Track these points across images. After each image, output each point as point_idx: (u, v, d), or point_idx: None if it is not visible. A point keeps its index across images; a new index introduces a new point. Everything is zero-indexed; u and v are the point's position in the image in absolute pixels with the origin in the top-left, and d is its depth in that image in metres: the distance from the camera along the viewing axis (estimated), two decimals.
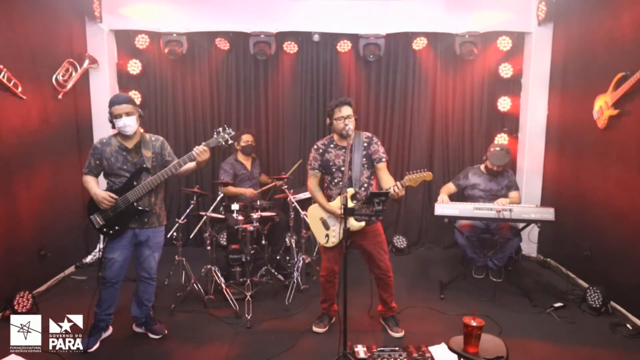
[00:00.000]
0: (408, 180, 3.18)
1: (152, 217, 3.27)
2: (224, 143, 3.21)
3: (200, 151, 3.11)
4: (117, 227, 3.18)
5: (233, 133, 3.23)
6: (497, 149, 4.57)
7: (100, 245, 5.21)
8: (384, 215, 3.69)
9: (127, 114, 3.11)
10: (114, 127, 3.18)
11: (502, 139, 5.52)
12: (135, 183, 3.15)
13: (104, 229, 3.19)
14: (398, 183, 3.13)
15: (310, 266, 4.70)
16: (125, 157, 3.19)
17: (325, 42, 5.54)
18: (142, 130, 3.38)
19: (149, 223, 3.27)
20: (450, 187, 4.71)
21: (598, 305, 3.78)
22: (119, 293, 3.35)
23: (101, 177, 3.29)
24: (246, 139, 4.99)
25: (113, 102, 3.12)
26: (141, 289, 3.39)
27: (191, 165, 3.21)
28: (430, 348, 3.17)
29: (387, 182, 3.30)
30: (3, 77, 3.76)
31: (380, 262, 3.42)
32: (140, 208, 3.18)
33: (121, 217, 3.17)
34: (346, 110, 3.27)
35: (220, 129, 3.22)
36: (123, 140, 3.20)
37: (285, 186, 4.55)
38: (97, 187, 3.20)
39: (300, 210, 4.45)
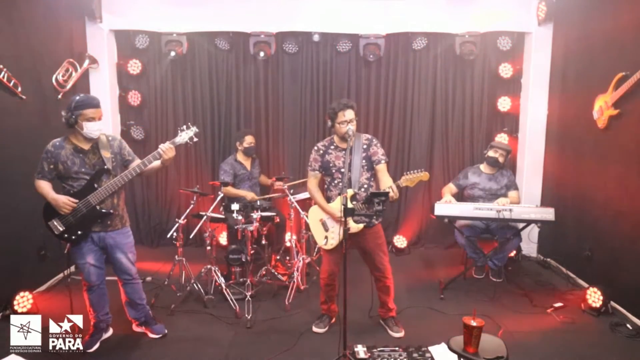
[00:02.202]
0: (405, 180, 3.18)
1: (116, 219, 3.18)
2: (189, 141, 3.16)
3: (167, 148, 3.03)
4: (79, 232, 3.07)
5: (197, 130, 3.19)
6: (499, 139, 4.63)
7: None
8: (384, 215, 3.69)
9: (99, 118, 3.01)
10: (71, 127, 3.01)
11: (502, 138, 5.52)
12: (96, 185, 3.04)
13: (65, 235, 3.06)
14: (393, 184, 3.13)
15: (310, 266, 4.70)
16: (82, 159, 3.05)
17: (325, 42, 5.53)
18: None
19: (112, 225, 3.17)
20: (451, 188, 4.71)
21: (598, 305, 3.78)
22: (107, 292, 3.33)
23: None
24: (249, 140, 4.99)
25: (88, 104, 2.97)
26: (128, 290, 3.35)
27: (156, 164, 3.12)
28: (430, 348, 3.17)
29: (387, 183, 3.29)
30: (3, 77, 3.77)
31: (380, 265, 3.42)
32: (104, 211, 3.08)
33: (83, 221, 3.05)
34: (349, 114, 3.25)
35: (184, 127, 3.16)
36: (79, 142, 3.06)
37: (286, 186, 4.55)
38: (53, 191, 3.05)
39: (300, 210, 4.45)
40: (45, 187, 3.07)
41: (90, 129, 2.99)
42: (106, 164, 3.08)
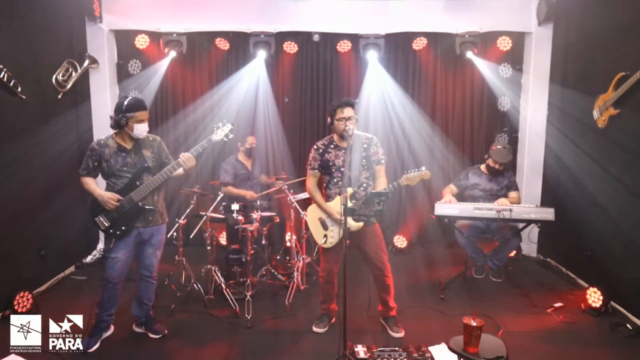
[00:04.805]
0: (405, 179, 3.19)
1: (156, 215, 3.29)
2: (224, 138, 3.21)
3: (187, 158, 3.12)
4: (123, 228, 3.18)
5: (232, 127, 3.24)
6: (500, 147, 4.56)
7: (101, 246, 5.23)
8: (385, 215, 3.69)
9: (147, 120, 3.15)
10: (116, 128, 3.12)
11: (502, 139, 5.52)
12: (137, 183, 3.16)
13: (110, 230, 3.18)
14: (395, 183, 3.14)
15: (310, 266, 4.70)
16: (124, 158, 3.17)
17: (325, 42, 5.54)
18: None
19: (154, 221, 3.28)
20: (452, 188, 4.70)
21: (598, 305, 3.78)
22: (119, 293, 3.34)
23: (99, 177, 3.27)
24: (251, 141, 5.03)
25: (139, 107, 3.09)
26: (142, 287, 3.39)
27: (180, 171, 3.22)
28: (430, 348, 3.17)
29: (381, 185, 3.31)
30: (3, 77, 3.76)
31: (379, 263, 3.42)
32: (146, 207, 3.19)
33: (126, 217, 3.17)
34: (348, 112, 3.26)
35: (220, 124, 3.23)
36: (122, 141, 3.19)
37: (286, 186, 4.55)
38: (99, 188, 3.20)
39: (300, 210, 4.45)
40: (91, 183, 3.22)
41: (140, 130, 3.12)
42: (147, 162, 3.19)
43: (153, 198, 3.25)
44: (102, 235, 3.25)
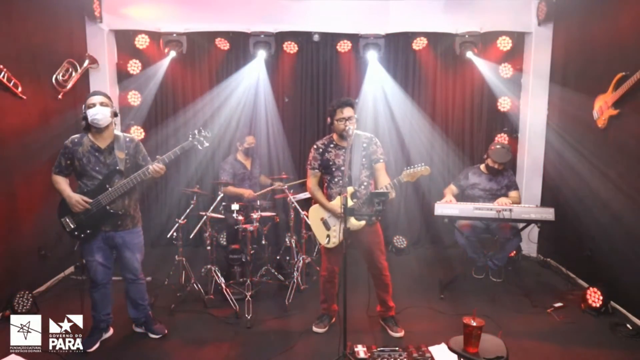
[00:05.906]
0: (406, 175, 3.19)
1: (126, 220, 3.20)
2: (200, 147, 3.16)
3: (157, 170, 3.08)
4: (89, 231, 3.11)
5: (209, 135, 3.20)
6: (499, 146, 4.57)
7: None
8: (385, 215, 3.69)
9: (101, 104, 3.05)
10: (86, 126, 3.11)
11: (502, 139, 5.52)
12: (107, 186, 3.08)
13: (75, 232, 3.12)
14: (395, 180, 3.15)
15: (310, 266, 4.70)
16: (97, 157, 3.10)
17: (325, 42, 5.54)
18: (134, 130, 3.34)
19: (123, 226, 3.20)
20: (452, 189, 4.70)
21: (598, 305, 3.78)
22: (111, 292, 3.33)
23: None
24: (250, 141, 5.03)
25: (90, 95, 3.11)
26: (132, 289, 3.36)
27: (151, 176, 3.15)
28: (430, 348, 3.17)
29: (383, 183, 3.32)
30: (3, 77, 3.76)
31: (378, 263, 3.43)
32: (112, 212, 3.11)
33: (93, 220, 3.10)
34: (348, 112, 3.26)
35: (196, 131, 3.17)
36: (96, 139, 3.11)
37: (285, 186, 4.56)
38: (69, 188, 3.13)
39: (300, 210, 4.45)
40: (61, 182, 3.15)
41: (90, 113, 3.05)
42: (119, 164, 3.11)
43: (123, 202, 3.16)
44: (74, 239, 3.18)
